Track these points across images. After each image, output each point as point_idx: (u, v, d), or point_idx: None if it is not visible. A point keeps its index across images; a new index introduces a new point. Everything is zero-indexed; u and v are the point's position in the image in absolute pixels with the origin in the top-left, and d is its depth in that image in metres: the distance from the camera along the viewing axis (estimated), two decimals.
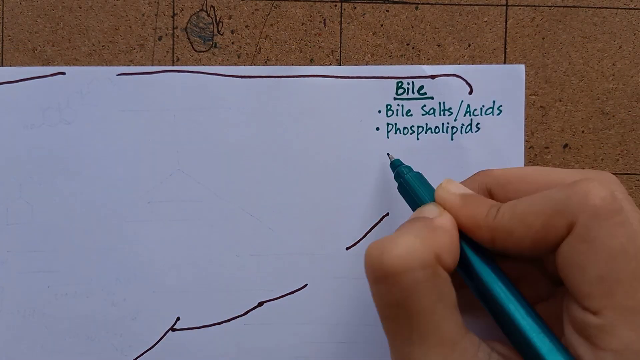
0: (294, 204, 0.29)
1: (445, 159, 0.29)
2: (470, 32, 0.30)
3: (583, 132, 0.31)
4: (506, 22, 0.30)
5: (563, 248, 0.18)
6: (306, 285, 0.29)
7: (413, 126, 0.29)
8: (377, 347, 0.29)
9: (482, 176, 0.23)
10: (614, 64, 0.30)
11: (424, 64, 0.30)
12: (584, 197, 0.18)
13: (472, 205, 0.21)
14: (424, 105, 0.29)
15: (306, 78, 0.29)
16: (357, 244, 0.29)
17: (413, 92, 0.29)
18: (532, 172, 0.22)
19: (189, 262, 0.29)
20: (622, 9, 0.30)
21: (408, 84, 0.29)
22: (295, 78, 0.29)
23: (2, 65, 0.29)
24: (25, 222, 0.29)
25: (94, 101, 0.29)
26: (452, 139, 0.29)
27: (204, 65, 0.30)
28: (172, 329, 0.29)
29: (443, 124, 0.29)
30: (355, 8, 0.30)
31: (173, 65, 0.30)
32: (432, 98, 0.29)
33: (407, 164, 0.26)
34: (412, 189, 0.24)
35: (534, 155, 0.30)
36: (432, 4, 0.30)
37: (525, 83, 0.30)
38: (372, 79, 0.29)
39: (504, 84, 0.30)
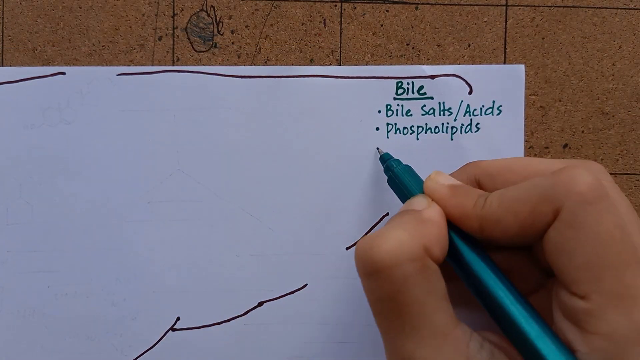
0: (294, 204, 0.29)
1: (445, 159, 0.29)
2: (470, 32, 0.30)
3: (583, 132, 0.31)
4: (506, 22, 0.30)
5: (550, 234, 0.18)
6: (306, 285, 0.29)
7: (413, 126, 0.29)
8: (377, 347, 0.29)
9: (471, 167, 0.23)
10: (613, 64, 0.31)
11: (423, 64, 0.30)
12: (570, 183, 0.18)
13: (461, 196, 0.21)
14: (424, 105, 0.29)
15: (306, 78, 0.29)
16: None
17: (413, 92, 0.29)
18: (520, 162, 0.22)
19: (189, 262, 0.29)
20: (622, 9, 0.30)
21: (408, 84, 0.29)
22: (295, 78, 0.29)
23: (2, 65, 0.29)
24: (25, 222, 0.29)
25: (94, 101, 0.29)
26: (452, 139, 0.29)
27: (204, 65, 0.30)
28: (172, 329, 0.29)
29: (443, 124, 0.29)
30: (355, 8, 0.30)
31: (173, 65, 0.30)
32: (432, 98, 0.29)
33: (396, 158, 0.27)
34: (402, 181, 0.24)
35: (534, 155, 0.30)
36: (432, 4, 0.30)
37: (525, 83, 0.30)
38: (372, 79, 0.29)
39: (503, 84, 0.30)
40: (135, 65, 0.30)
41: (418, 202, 0.21)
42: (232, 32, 0.30)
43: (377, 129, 0.29)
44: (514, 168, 0.22)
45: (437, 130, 0.29)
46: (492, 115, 0.30)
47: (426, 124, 0.29)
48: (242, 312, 0.29)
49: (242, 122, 0.29)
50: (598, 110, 0.31)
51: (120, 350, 0.29)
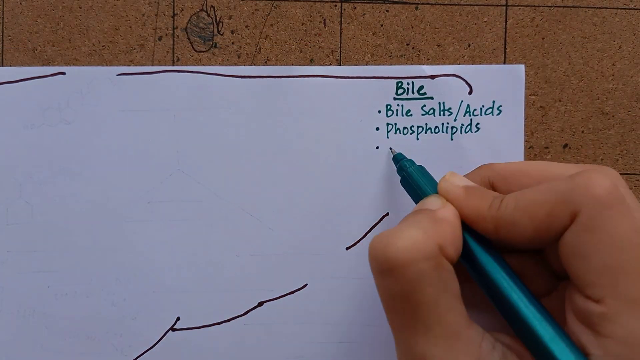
0: (293, 203, 0.29)
1: (445, 159, 0.29)
2: (470, 32, 0.30)
3: (583, 132, 0.31)
4: (506, 22, 0.30)
5: (566, 237, 0.18)
6: (306, 285, 0.29)
7: (413, 126, 0.29)
8: (377, 347, 0.29)
9: (485, 170, 0.23)
10: (613, 64, 0.31)
11: (423, 64, 0.30)
12: (587, 187, 0.18)
13: (476, 197, 0.21)
14: (424, 105, 0.29)
15: (306, 78, 0.29)
16: (357, 244, 0.29)
17: (413, 92, 0.29)
18: (534, 165, 0.22)
19: (189, 262, 0.29)
20: (622, 9, 0.30)
21: (408, 84, 0.29)
22: (295, 78, 0.29)
23: (2, 65, 0.29)
24: (25, 222, 0.29)
25: (94, 101, 0.29)
26: (452, 139, 0.29)
27: (204, 65, 0.30)
28: (172, 329, 0.29)
29: (443, 124, 0.29)
30: (355, 8, 0.30)
31: (173, 65, 0.30)
32: (432, 98, 0.29)
33: (409, 158, 0.27)
34: (415, 182, 0.24)
35: (534, 155, 0.30)
36: (432, 4, 0.30)
37: (525, 83, 0.30)
38: (372, 79, 0.29)
39: (503, 84, 0.30)
40: (135, 65, 0.30)
41: (432, 202, 0.21)
42: (232, 32, 0.30)
43: (377, 129, 0.29)
44: (528, 171, 0.22)
45: (437, 130, 0.29)
46: (492, 115, 0.30)
47: (426, 124, 0.29)
48: (242, 312, 0.29)
49: (242, 122, 0.29)
50: (598, 110, 0.31)
51: (120, 350, 0.29)
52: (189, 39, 0.30)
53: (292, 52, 0.30)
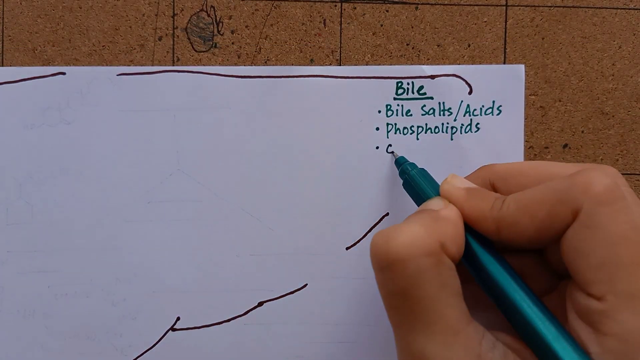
0: (293, 204, 0.29)
1: (445, 159, 0.29)
2: (470, 32, 0.30)
3: (583, 132, 0.31)
4: (506, 22, 0.30)
5: (568, 235, 0.19)
6: (306, 285, 0.29)
7: (413, 126, 0.29)
8: (377, 347, 0.29)
9: (485, 171, 0.23)
10: (613, 64, 0.31)
11: (423, 64, 0.30)
12: (587, 185, 0.18)
13: (477, 198, 0.21)
14: (424, 105, 0.29)
15: (306, 78, 0.29)
16: (357, 244, 0.29)
17: (413, 92, 0.29)
18: (534, 166, 0.22)
19: (189, 262, 0.29)
20: (621, 9, 0.30)
21: (408, 84, 0.29)
22: (295, 78, 0.29)
23: (2, 65, 0.29)
24: (25, 222, 0.29)
25: (94, 101, 0.29)
26: (452, 139, 0.29)
27: (204, 65, 0.30)
28: (172, 329, 0.29)
29: (443, 124, 0.29)
30: (355, 8, 0.30)
31: (173, 65, 0.30)
32: (432, 98, 0.29)
33: (411, 161, 0.27)
34: (417, 184, 0.24)
35: (534, 155, 0.30)
36: (432, 4, 0.30)
37: (525, 83, 0.30)
38: (372, 79, 0.29)
39: (503, 84, 0.30)
40: (135, 65, 0.30)
41: (435, 203, 0.22)
42: (232, 32, 0.30)
43: (377, 129, 0.29)
44: (528, 172, 0.22)
45: (437, 130, 0.29)
46: (492, 115, 0.30)
47: (426, 124, 0.29)
48: (242, 312, 0.29)
49: (242, 122, 0.29)
50: (598, 110, 0.31)
51: (120, 350, 0.29)
52: (189, 39, 0.30)
53: (292, 52, 0.30)
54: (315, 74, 0.29)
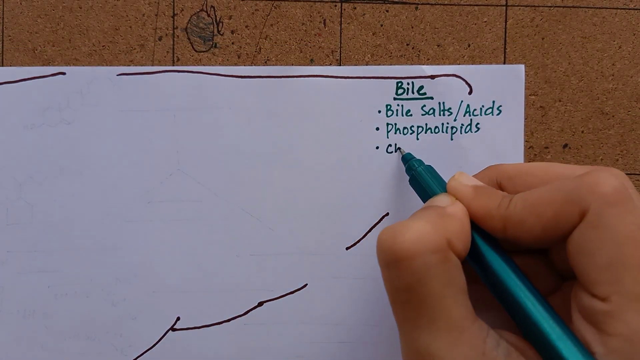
0: (293, 203, 0.29)
1: (445, 159, 0.29)
2: (470, 32, 0.30)
3: (583, 132, 0.31)
4: (506, 22, 0.30)
5: (574, 235, 0.19)
6: (306, 285, 0.29)
7: (413, 126, 0.29)
8: (377, 347, 0.29)
9: (492, 170, 0.23)
10: (613, 64, 0.31)
11: (423, 64, 0.30)
12: (595, 185, 0.18)
13: (485, 196, 0.21)
14: (424, 106, 0.29)
15: (306, 78, 0.29)
16: (357, 244, 0.29)
17: (413, 92, 0.29)
18: (541, 166, 0.22)
19: (189, 262, 0.29)
20: (621, 9, 0.30)
21: (408, 84, 0.29)
22: (295, 78, 0.29)
23: (2, 65, 0.29)
24: (25, 222, 0.29)
25: (94, 101, 0.29)
26: (451, 139, 0.29)
27: (204, 65, 0.30)
28: (172, 329, 0.29)
29: (443, 124, 0.29)
30: (355, 8, 0.30)
31: (173, 65, 0.30)
32: (431, 98, 0.29)
33: (418, 158, 0.27)
34: (424, 181, 0.24)
35: (534, 155, 0.30)
36: (432, 4, 0.30)
37: (525, 83, 0.30)
38: (372, 79, 0.29)
39: (503, 84, 0.30)
40: (135, 65, 0.30)
41: (441, 199, 0.22)
42: (232, 32, 0.30)
43: (377, 129, 0.29)
44: (536, 172, 0.22)
45: (437, 130, 0.29)
46: (492, 115, 0.30)
47: (426, 124, 0.29)
48: (242, 312, 0.29)
49: (242, 122, 0.29)
50: (598, 110, 0.31)
51: (120, 350, 0.29)
52: (189, 39, 0.30)
53: (292, 52, 0.30)
54: (315, 74, 0.29)
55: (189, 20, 0.30)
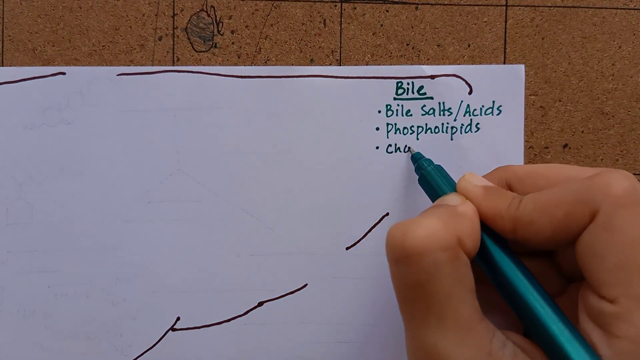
0: (293, 203, 0.29)
1: (445, 159, 0.29)
2: (470, 32, 0.30)
3: (583, 132, 0.31)
4: (506, 22, 0.30)
5: (584, 237, 0.19)
6: (306, 285, 0.29)
7: (413, 126, 0.29)
8: (378, 347, 0.29)
9: (502, 171, 0.23)
10: (613, 64, 0.31)
11: (423, 64, 0.30)
12: (606, 187, 0.18)
13: (495, 197, 0.21)
14: (424, 106, 0.29)
15: (306, 78, 0.29)
16: (357, 244, 0.29)
17: (413, 92, 0.29)
18: (551, 167, 0.22)
19: (189, 262, 0.29)
20: (621, 9, 0.30)
21: (408, 84, 0.29)
22: (295, 78, 0.29)
23: (2, 65, 0.29)
24: (25, 222, 0.29)
25: (94, 101, 0.29)
26: (451, 139, 0.29)
27: (204, 65, 0.30)
28: (172, 329, 0.29)
29: (443, 124, 0.29)
30: (355, 8, 0.30)
31: (173, 65, 0.30)
32: (431, 98, 0.29)
33: (427, 157, 0.27)
34: (434, 180, 0.24)
35: (534, 155, 0.30)
36: (432, 4, 0.30)
37: (525, 83, 0.30)
38: (371, 79, 0.29)
39: (503, 84, 0.30)
40: (135, 65, 0.30)
41: (451, 199, 0.22)
42: (232, 32, 0.30)
43: (377, 129, 0.29)
44: (545, 173, 0.22)
45: (437, 130, 0.29)
46: (492, 115, 0.30)
47: (426, 124, 0.29)
48: (242, 312, 0.29)
49: (242, 122, 0.29)
50: (598, 110, 0.31)
51: (120, 350, 0.29)
52: (189, 39, 0.30)
53: (292, 52, 0.30)
54: (315, 74, 0.29)
55: (189, 20, 0.30)
